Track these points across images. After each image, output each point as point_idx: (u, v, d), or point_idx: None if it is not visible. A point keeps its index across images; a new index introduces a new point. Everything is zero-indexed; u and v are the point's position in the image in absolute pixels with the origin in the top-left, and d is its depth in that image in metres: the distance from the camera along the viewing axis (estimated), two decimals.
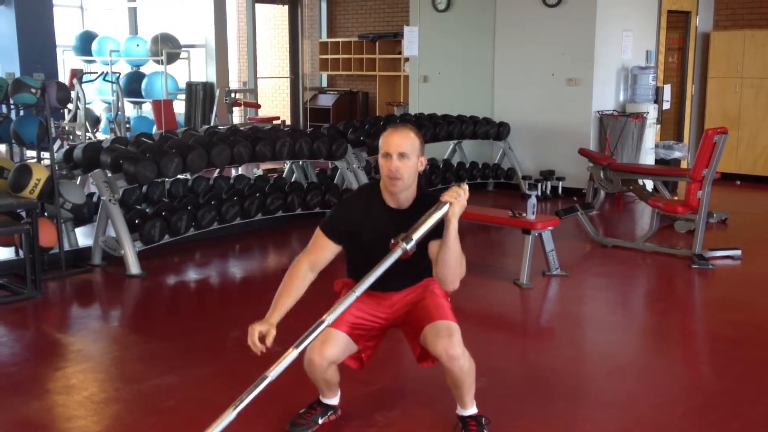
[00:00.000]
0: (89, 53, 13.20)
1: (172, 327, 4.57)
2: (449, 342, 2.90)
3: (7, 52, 11.21)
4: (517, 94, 8.98)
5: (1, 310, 4.80)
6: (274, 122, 11.24)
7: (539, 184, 8.41)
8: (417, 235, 2.72)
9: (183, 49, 12.43)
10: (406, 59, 11.71)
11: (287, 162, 7.93)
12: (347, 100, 14.24)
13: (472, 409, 3.11)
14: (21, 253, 5.33)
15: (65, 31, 13.40)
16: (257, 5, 14.19)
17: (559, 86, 8.62)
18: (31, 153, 6.64)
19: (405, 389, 3.78)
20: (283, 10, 14.91)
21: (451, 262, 2.83)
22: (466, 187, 2.83)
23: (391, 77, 13.73)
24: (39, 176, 5.12)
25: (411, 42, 9.15)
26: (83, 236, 6.13)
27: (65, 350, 4.22)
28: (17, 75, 7.65)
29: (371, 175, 7.72)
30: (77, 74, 11.86)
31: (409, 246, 2.70)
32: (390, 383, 3.80)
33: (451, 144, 9.11)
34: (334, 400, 3.27)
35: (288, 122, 13.99)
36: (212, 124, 10.99)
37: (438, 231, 2.80)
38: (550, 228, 5.36)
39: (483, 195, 8.70)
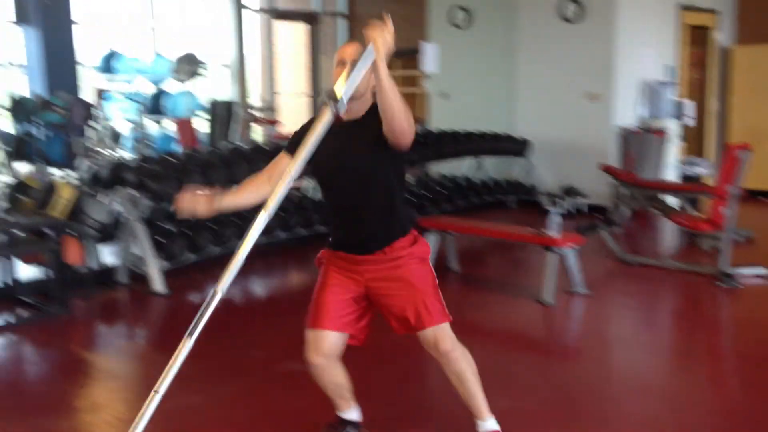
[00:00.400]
0: (113, 72, 13.35)
1: (197, 346, 4.54)
2: (438, 345, 2.98)
3: (32, 71, 11.36)
4: (539, 110, 8.98)
5: (29, 328, 4.85)
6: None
7: (561, 201, 8.37)
8: (344, 88, 2.45)
9: (205, 67, 12.53)
10: (425, 76, 11.75)
11: (309, 179, 7.95)
12: None
13: (489, 422, 3.10)
14: (48, 271, 5.38)
15: (89, 51, 13.58)
16: (277, 23, 14.31)
17: (579, 102, 8.60)
18: (56, 171, 6.72)
19: (431, 406, 3.76)
20: (303, 28, 15.02)
21: (393, 110, 2.59)
22: (389, 21, 2.65)
23: (410, 94, 13.75)
24: (65, 195, 5.18)
25: (430, 59, 9.17)
26: (108, 254, 6.18)
27: (92, 368, 4.25)
28: (43, 95, 7.74)
29: None
30: (101, 93, 11.99)
31: (340, 104, 2.44)
32: (414, 401, 3.78)
33: (473, 161, 9.11)
34: (352, 414, 3.21)
35: None
36: (234, 142, 11.05)
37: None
38: (573, 245, 5.35)
39: (504, 212, 8.68)
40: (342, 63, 2.80)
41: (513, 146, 8.81)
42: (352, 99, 2.64)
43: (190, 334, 2.47)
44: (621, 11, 8.30)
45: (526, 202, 9.03)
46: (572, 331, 5.11)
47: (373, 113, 2.73)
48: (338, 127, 2.70)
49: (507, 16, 9.13)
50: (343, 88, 2.45)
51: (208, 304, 2.46)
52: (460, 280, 6.00)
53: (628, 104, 8.60)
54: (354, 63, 2.57)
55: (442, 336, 2.99)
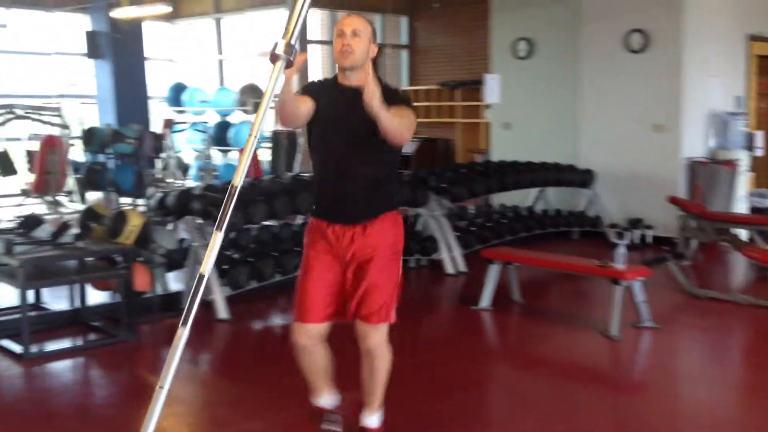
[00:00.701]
0: (180, 104, 13.70)
1: (259, 372, 4.62)
2: (373, 340, 3.15)
3: (105, 103, 11.75)
4: (603, 141, 8.88)
5: (97, 352, 4.96)
6: None
7: (627, 233, 8.22)
8: (291, 37, 2.36)
9: None
10: (487, 106, 11.75)
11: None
12: (428, 148, 14.32)
13: (374, 419, 3.28)
14: (117, 296, 5.51)
15: (158, 83, 13.98)
16: None
17: (645, 133, 8.48)
18: (126, 200, 6.89)
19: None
20: None
21: (390, 132, 2.89)
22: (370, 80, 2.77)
23: (471, 124, 13.77)
24: (135, 223, 5.31)
25: (492, 89, 9.17)
26: (175, 281, 6.29)
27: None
28: (114, 126, 7.99)
29: (453, 222, 7.72)
30: (169, 124, 12.30)
31: (292, 56, 2.36)
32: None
33: (535, 191, 9.04)
34: (331, 399, 3.37)
35: None
36: (296, 171, 11.20)
37: (389, 99, 2.88)
38: (640, 278, 5.24)
39: (568, 243, 8.57)
40: (341, 34, 2.98)
41: (576, 177, 8.71)
42: (352, 68, 2.96)
43: (184, 323, 2.42)
44: (688, 41, 8.18)
45: (589, 233, 8.90)
46: (639, 365, 5.00)
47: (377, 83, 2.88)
48: (344, 92, 2.99)
49: (570, 47, 9.09)
50: (289, 37, 2.37)
51: (197, 288, 2.39)
52: (522, 311, 5.93)
53: (695, 135, 8.44)
54: (298, 11, 2.42)
55: (378, 333, 3.16)
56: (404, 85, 14.97)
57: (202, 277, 2.36)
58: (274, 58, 2.35)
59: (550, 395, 4.23)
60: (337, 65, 3.07)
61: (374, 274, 3.11)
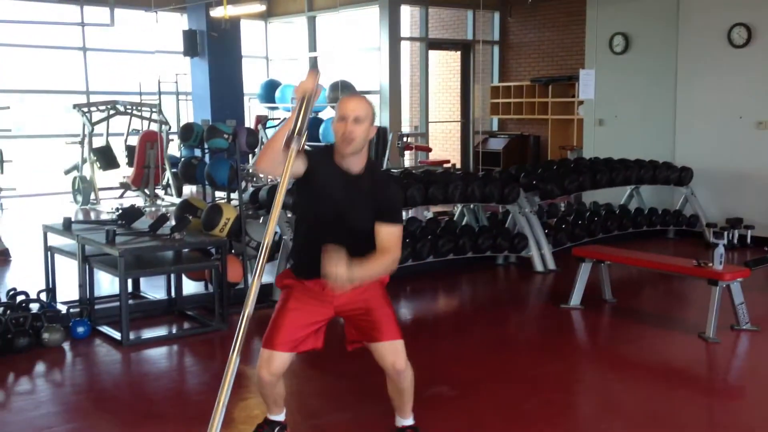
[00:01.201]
0: (272, 100, 13.98)
1: (346, 365, 4.65)
2: (396, 359, 3.16)
3: (201, 100, 12.11)
4: (701, 138, 8.60)
5: (191, 341, 5.11)
6: (444, 166, 11.37)
7: (726, 233, 7.93)
8: (304, 129, 2.77)
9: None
10: (580, 102, 11.53)
11: (458, 205, 7.97)
12: (518, 144, 14.18)
13: (410, 420, 3.36)
14: (210, 287, 5.67)
15: (251, 80, 14.30)
16: (430, 52, 14.51)
17: (747, 129, 8.16)
18: (220, 194, 7.07)
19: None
20: (456, 56, 15.15)
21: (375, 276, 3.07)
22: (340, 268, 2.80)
23: (563, 121, 13.55)
24: (228, 216, 5.44)
25: (587, 85, 8.98)
26: (265, 273, 6.41)
27: (249, 382, 4.41)
28: (210, 121, 8.20)
29: (543, 219, 7.61)
30: (262, 120, 12.57)
31: (303, 140, 2.77)
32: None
33: (629, 189, 8.82)
34: (280, 416, 3.44)
35: (458, 166, 14.12)
36: (385, 167, 11.26)
37: (382, 216, 3.04)
38: (739, 279, 5.04)
39: (663, 243, 8.34)
40: (343, 118, 2.98)
41: (672, 174, 8.45)
42: (352, 154, 2.99)
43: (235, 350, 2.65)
44: None
45: (685, 232, 8.63)
46: (736, 369, 4.82)
47: (372, 175, 3.10)
48: (337, 171, 3.04)
49: (667, 41, 8.84)
50: (303, 126, 2.78)
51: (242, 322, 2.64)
52: (614, 311, 5.80)
53: None
54: (304, 108, 2.81)
55: (397, 354, 3.17)
56: (495, 82, 14.85)
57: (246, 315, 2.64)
58: (287, 144, 2.76)
59: (641, 398, 4.13)
60: (335, 144, 3.07)
61: (374, 308, 3.19)
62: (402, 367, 3.18)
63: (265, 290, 6.01)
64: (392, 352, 3.17)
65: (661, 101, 8.93)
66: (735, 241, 8.01)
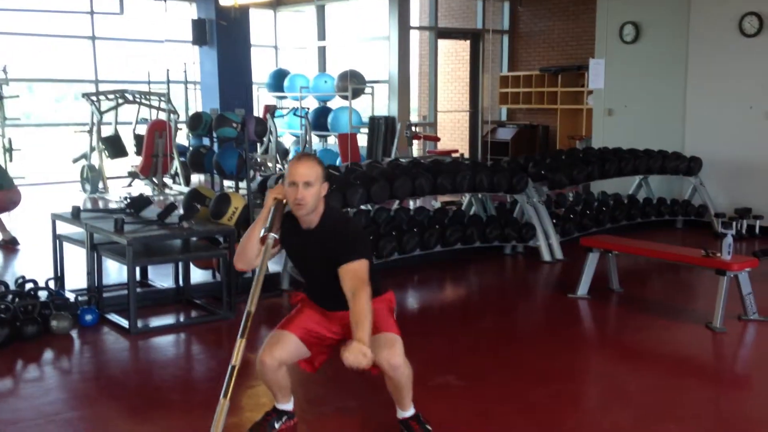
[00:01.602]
0: (281, 90, 13.98)
1: None
2: (391, 352, 3.13)
3: (209, 89, 12.10)
4: (711, 128, 8.56)
5: (198, 329, 5.13)
6: (453, 155, 11.35)
7: (734, 223, 7.90)
8: (277, 224, 3.15)
9: (367, 84, 12.87)
10: (590, 92, 11.48)
11: (466, 195, 7.96)
12: (527, 134, 14.14)
13: (410, 411, 3.35)
14: (218, 276, 5.68)
15: (260, 70, 14.28)
16: (439, 41, 14.46)
17: (758, 119, 8.12)
18: (229, 183, 7.08)
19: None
20: (465, 45, 15.10)
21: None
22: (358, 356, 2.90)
23: (572, 110, 13.50)
24: (237, 204, 5.45)
25: (596, 75, 8.94)
26: (273, 262, 6.43)
27: (255, 370, 4.42)
28: (219, 110, 8.21)
29: (551, 209, 7.60)
30: (270, 109, 12.56)
31: (277, 235, 3.14)
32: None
33: (637, 179, 8.79)
34: (288, 405, 3.49)
35: (466, 155, 14.09)
36: (393, 156, 11.26)
37: (339, 258, 3.14)
38: (747, 269, 5.03)
39: (671, 233, 8.31)
40: (293, 184, 3.13)
41: (681, 164, 8.42)
42: (307, 213, 3.18)
43: (242, 335, 2.97)
44: None
45: (693, 222, 8.61)
46: (743, 359, 4.81)
47: (326, 221, 3.24)
48: (299, 233, 3.25)
49: (678, 31, 8.79)
50: (276, 225, 3.15)
51: (245, 327, 2.96)
52: (621, 300, 5.79)
53: None
54: (276, 206, 3.17)
55: (393, 347, 3.16)
56: (504, 71, 14.80)
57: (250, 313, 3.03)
58: (263, 239, 3.10)
59: (648, 388, 4.13)
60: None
61: (376, 319, 3.16)
62: (397, 363, 3.14)
63: (273, 279, 6.03)
64: (387, 345, 3.14)
65: (671, 91, 8.89)
66: (743, 231, 7.99)
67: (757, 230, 8.05)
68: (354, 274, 3.11)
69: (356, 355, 2.84)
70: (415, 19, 14.39)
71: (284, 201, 3.17)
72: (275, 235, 3.08)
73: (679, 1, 8.76)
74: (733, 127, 8.35)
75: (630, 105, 9.35)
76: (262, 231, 3.14)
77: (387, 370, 3.16)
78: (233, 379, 2.84)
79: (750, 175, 8.24)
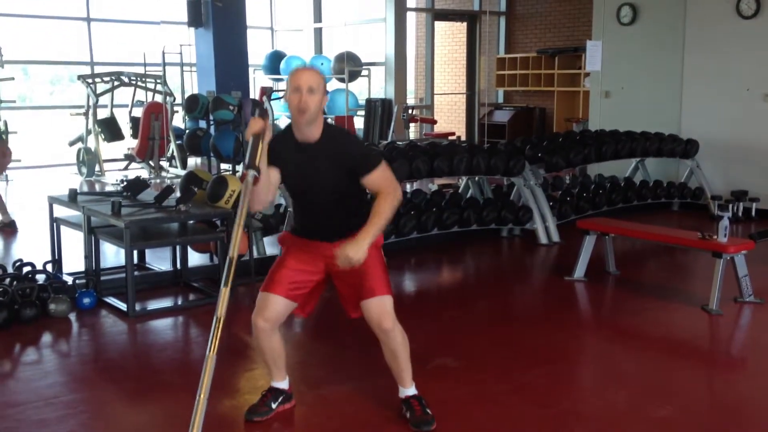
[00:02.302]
0: (277, 72, 13.92)
1: (350, 337, 4.70)
2: (382, 316, 3.20)
3: (205, 71, 12.04)
4: (708, 110, 8.56)
5: (196, 312, 5.15)
6: (450, 138, 11.34)
7: (731, 205, 7.94)
8: (257, 160, 2.91)
9: (364, 67, 12.83)
10: (587, 74, 11.46)
11: (463, 177, 7.97)
12: (523, 116, 14.12)
13: (412, 389, 3.40)
14: (215, 259, 5.69)
15: (256, 52, 14.22)
16: (436, 22, 14.40)
17: (754, 102, 8.12)
18: (226, 165, 7.07)
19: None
20: (461, 27, 15.05)
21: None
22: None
23: (569, 93, 13.49)
24: (234, 188, 5.44)
25: (594, 56, 8.93)
26: (270, 245, 6.44)
27: (253, 353, 4.44)
28: (215, 93, 8.18)
29: (548, 192, 7.60)
30: (266, 92, 12.52)
31: (258, 173, 2.91)
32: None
33: (634, 162, 8.80)
34: (284, 384, 3.52)
35: (463, 138, 14.07)
36: (390, 139, 11.24)
37: (358, 169, 3.13)
38: (743, 252, 5.04)
39: (668, 215, 8.33)
40: (297, 90, 3.06)
41: (678, 147, 8.43)
42: (308, 124, 3.08)
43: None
44: None
45: (690, 205, 8.62)
46: (739, 341, 4.84)
47: (330, 138, 3.15)
48: (303, 150, 3.14)
49: (675, 12, 8.76)
50: (257, 160, 2.91)
51: (216, 329, 2.78)
52: (617, 283, 5.81)
53: None
54: (255, 142, 2.93)
55: (384, 312, 3.21)
56: (501, 53, 14.76)
57: (219, 319, 2.78)
58: (243, 176, 2.91)
59: (644, 369, 4.16)
60: (291, 119, 3.18)
61: (365, 269, 3.19)
62: (389, 326, 3.21)
63: (270, 262, 6.01)
64: (378, 308, 3.20)
65: (668, 73, 8.88)
66: (740, 213, 8.00)
67: (753, 213, 8.07)
68: (383, 178, 3.15)
69: (343, 259, 3.01)
70: (411, 1, 14.32)
71: (263, 134, 2.97)
72: (255, 173, 2.90)
73: None
74: (730, 109, 8.35)
75: (627, 87, 9.34)
76: (241, 169, 3.02)
77: (379, 335, 3.25)
78: (219, 332, 2.76)
79: (747, 157, 8.25)
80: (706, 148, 8.50)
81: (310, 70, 3.15)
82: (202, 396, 2.68)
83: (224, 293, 2.76)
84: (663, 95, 8.97)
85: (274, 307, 3.29)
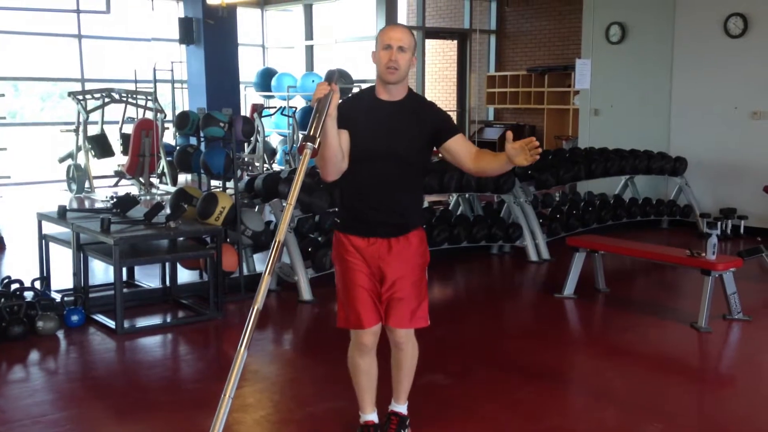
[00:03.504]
0: (268, 89, 13.95)
1: (341, 353, 4.66)
2: (399, 340, 3.17)
3: (196, 88, 12.07)
4: (696, 128, 8.62)
5: (186, 329, 5.12)
6: (440, 155, 11.37)
7: (719, 223, 7.95)
8: (317, 132, 2.73)
9: (355, 84, 12.87)
10: (576, 92, 11.52)
11: (454, 194, 7.98)
12: (514, 134, 14.10)
13: (400, 407, 3.34)
14: (205, 276, 5.67)
15: (247, 69, 14.26)
16: (426, 40, 14.47)
17: (742, 120, 8.18)
18: (216, 182, 7.06)
19: None
20: (452, 45, 15.13)
21: (492, 173, 3.11)
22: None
23: (559, 110, 13.55)
24: (224, 204, 5.45)
25: (583, 75, 8.99)
26: (260, 262, 6.43)
27: (243, 370, 4.42)
28: (206, 109, 8.19)
29: (538, 209, 7.62)
30: (257, 109, 12.53)
31: (316, 144, 2.71)
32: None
33: (623, 179, 8.84)
34: (374, 415, 3.34)
35: None
36: None
37: (443, 131, 3.02)
38: (732, 269, 5.07)
39: (657, 232, 8.36)
40: (388, 47, 2.97)
41: (667, 164, 8.48)
42: (398, 80, 2.98)
43: (245, 346, 2.61)
44: None
45: (679, 222, 8.66)
46: (727, 358, 4.85)
47: (414, 100, 3.07)
48: (379, 104, 3.01)
49: (664, 31, 8.84)
50: (315, 131, 2.73)
51: (252, 319, 2.61)
52: (607, 300, 5.83)
53: None
54: (319, 108, 2.76)
55: (408, 339, 3.20)
56: (491, 71, 14.84)
57: (257, 310, 2.60)
58: (301, 148, 2.72)
59: (633, 386, 4.16)
60: (377, 76, 3.06)
61: (405, 288, 3.10)
62: (402, 341, 3.18)
63: (258, 280, 6.01)
64: (404, 337, 3.18)
65: (657, 91, 8.95)
66: (728, 231, 8.04)
67: (741, 230, 8.11)
68: (465, 140, 3.08)
69: (521, 153, 2.84)
70: (402, 19, 14.40)
71: (328, 99, 2.77)
72: (313, 145, 2.69)
73: (665, 2, 8.82)
74: (718, 127, 8.41)
75: (616, 105, 9.39)
76: (300, 139, 2.85)
77: (392, 346, 3.21)
78: (253, 323, 2.58)
79: (735, 175, 8.30)
80: (694, 165, 8.55)
81: (401, 27, 3.06)
82: (226, 395, 2.55)
83: (266, 280, 2.58)
84: (652, 113, 9.03)
85: (371, 338, 3.16)
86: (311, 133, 2.72)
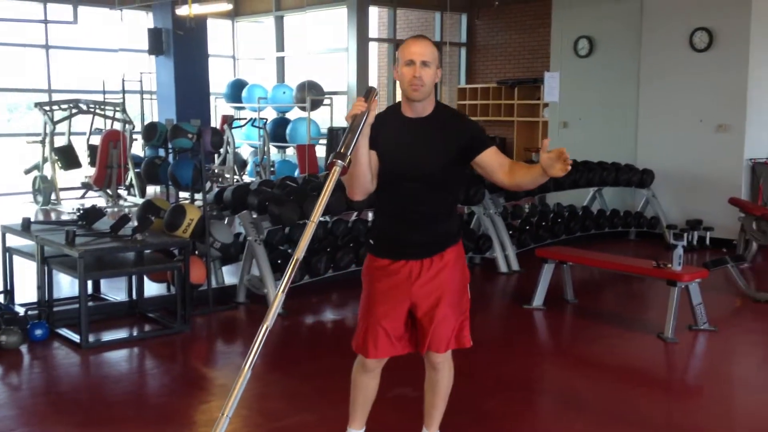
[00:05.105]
0: (239, 100, 13.90)
1: (310, 366, 4.66)
2: (435, 361, 3.13)
3: (166, 99, 12.00)
4: (662, 141, 8.72)
5: (152, 343, 5.06)
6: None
7: (685, 234, 8.06)
8: (349, 149, 2.65)
9: (326, 95, 12.88)
10: (545, 105, 11.62)
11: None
12: None
13: None
14: (172, 289, 5.62)
15: (218, 80, 14.21)
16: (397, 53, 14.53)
17: (707, 132, 8.30)
18: (184, 194, 7.01)
19: None
20: None
21: (527, 186, 2.95)
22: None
23: (529, 123, 13.66)
24: (192, 216, 5.40)
25: (552, 88, 9.07)
26: (229, 274, 6.39)
27: (210, 384, 4.39)
28: (175, 121, 8.13)
29: (508, 220, 7.66)
30: (228, 120, 12.48)
31: (346, 162, 2.62)
32: None
33: (591, 191, 8.92)
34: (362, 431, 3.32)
35: None
36: None
37: (474, 146, 2.89)
38: (697, 280, 5.13)
39: (624, 244, 8.44)
40: (410, 63, 2.84)
41: (634, 176, 8.57)
42: (423, 97, 2.85)
43: (249, 365, 2.56)
44: (754, 40, 7.97)
45: (646, 234, 8.75)
46: (694, 369, 4.90)
47: (442, 114, 2.93)
48: (404, 122, 2.91)
49: (631, 45, 8.95)
50: (346, 149, 2.64)
51: (261, 338, 2.57)
52: (575, 311, 5.86)
53: (759, 136, 8.22)
54: (353, 126, 2.69)
55: (445, 361, 3.15)
56: (462, 83, 14.92)
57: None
58: (331, 165, 2.61)
59: (601, 397, 4.18)
60: (402, 93, 2.95)
61: (444, 310, 3.02)
62: (439, 362, 3.14)
63: (229, 292, 5.98)
64: (442, 361, 3.15)
65: (624, 104, 9.05)
66: (694, 242, 8.14)
67: (707, 241, 8.21)
68: (498, 153, 2.93)
69: (556, 162, 2.68)
70: (373, 31, 14.44)
71: (364, 117, 2.71)
72: (343, 163, 2.59)
73: (632, 16, 8.94)
74: (684, 140, 8.52)
75: (584, 118, 9.49)
76: (330, 156, 2.67)
77: (428, 365, 3.18)
78: (261, 342, 2.54)
79: (701, 187, 8.40)
80: (661, 177, 8.65)
81: (422, 40, 2.89)
82: (224, 415, 2.48)
83: (278, 298, 2.52)
84: (619, 126, 9.13)
85: (378, 365, 3.15)
86: (342, 151, 2.63)
